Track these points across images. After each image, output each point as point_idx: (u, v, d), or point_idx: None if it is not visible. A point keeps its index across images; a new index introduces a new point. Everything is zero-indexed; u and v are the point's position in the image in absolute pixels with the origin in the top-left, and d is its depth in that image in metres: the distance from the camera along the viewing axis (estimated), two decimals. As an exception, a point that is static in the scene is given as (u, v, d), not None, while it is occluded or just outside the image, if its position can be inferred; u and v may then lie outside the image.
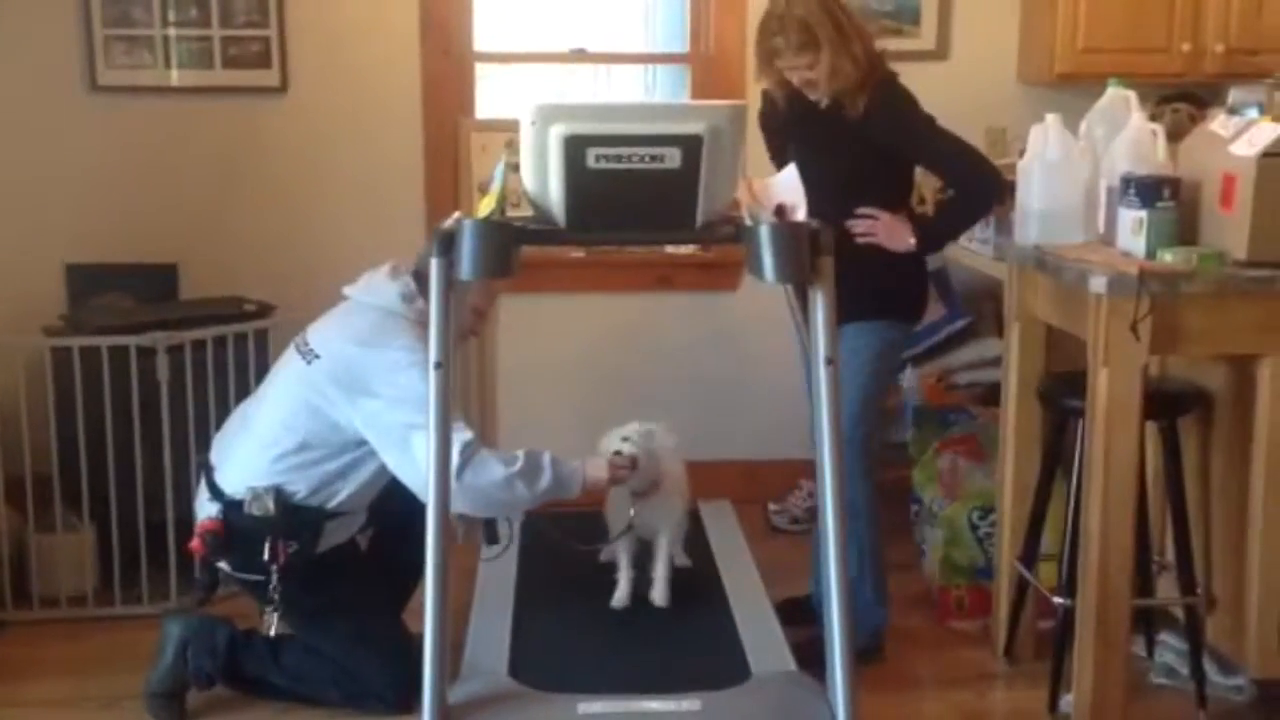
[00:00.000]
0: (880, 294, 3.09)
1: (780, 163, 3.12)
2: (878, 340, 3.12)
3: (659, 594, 3.14)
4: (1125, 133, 2.96)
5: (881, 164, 3.10)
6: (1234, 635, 2.94)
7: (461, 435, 2.74)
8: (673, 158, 2.21)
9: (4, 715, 3.02)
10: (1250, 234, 2.67)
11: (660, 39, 4.85)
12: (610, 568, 3.21)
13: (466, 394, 3.96)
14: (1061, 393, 3.00)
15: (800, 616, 3.19)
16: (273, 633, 2.91)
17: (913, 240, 3.06)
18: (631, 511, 3.11)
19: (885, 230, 3.06)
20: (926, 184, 3.71)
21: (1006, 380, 3.26)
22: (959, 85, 4.02)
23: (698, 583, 3.30)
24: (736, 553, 3.59)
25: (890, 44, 3.42)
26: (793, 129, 3.22)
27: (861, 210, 3.06)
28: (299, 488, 2.89)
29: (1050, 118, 2.99)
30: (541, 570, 3.39)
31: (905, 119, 3.04)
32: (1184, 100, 4.00)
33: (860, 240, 3.05)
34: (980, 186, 3.08)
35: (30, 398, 3.45)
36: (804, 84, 3.06)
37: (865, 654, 3.19)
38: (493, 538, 3.05)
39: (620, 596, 3.15)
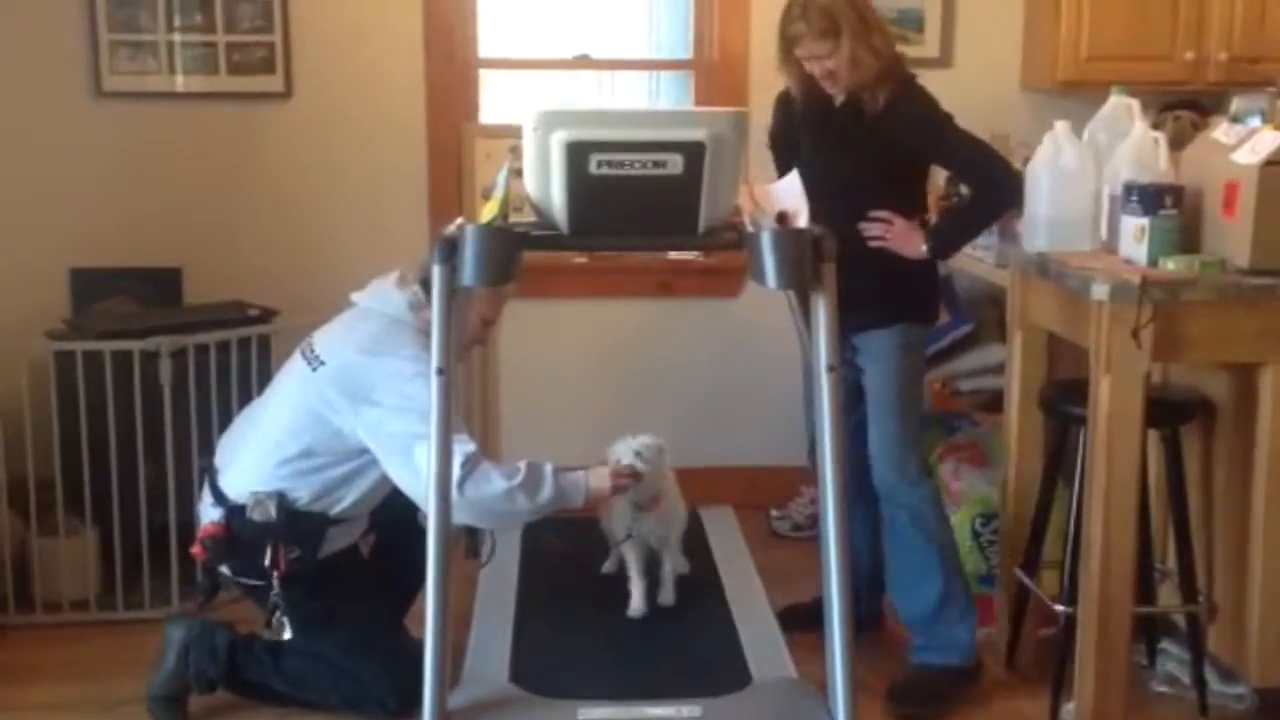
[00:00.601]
0: (896, 297, 3.05)
1: None
2: (901, 340, 3.07)
3: (668, 594, 3.18)
4: (1128, 140, 2.96)
5: (895, 166, 3.05)
6: (1235, 643, 2.94)
7: (464, 447, 2.72)
8: (675, 164, 2.21)
9: (5, 719, 3.03)
10: (1252, 242, 2.67)
11: (664, 45, 4.85)
12: (611, 576, 3.21)
13: (469, 401, 3.96)
14: (1063, 400, 2.99)
15: (801, 623, 3.18)
16: (286, 635, 2.89)
17: (924, 247, 3.01)
18: (631, 521, 3.11)
19: (898, 235, 3.01)
20: (930, 192, 3.70)
21: (1009, 387, 3.25)
22: (962, 92, 3.98)
23: (699, 589, 3.30)
24: (738, 559, 3.59)
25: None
26: (805, 129, 3.19)
27: (875, 214, 3.02)
28: (302, 493, 2.89)
29: (1059, 125, 2.98)
30: (542, 576, 3.39)
31: (926, 115, 3.00)
32: (1187, 108, 4.00)
33: (871, 244, 3.01)
34: (1000, 189, 3.02)
35: (33, 401, 3.45)
36: (824, 75, 3.00)
37: (970, 676, 3.11)
38: (473, 552, 3.05)
39: (636, 606, 3.15)
